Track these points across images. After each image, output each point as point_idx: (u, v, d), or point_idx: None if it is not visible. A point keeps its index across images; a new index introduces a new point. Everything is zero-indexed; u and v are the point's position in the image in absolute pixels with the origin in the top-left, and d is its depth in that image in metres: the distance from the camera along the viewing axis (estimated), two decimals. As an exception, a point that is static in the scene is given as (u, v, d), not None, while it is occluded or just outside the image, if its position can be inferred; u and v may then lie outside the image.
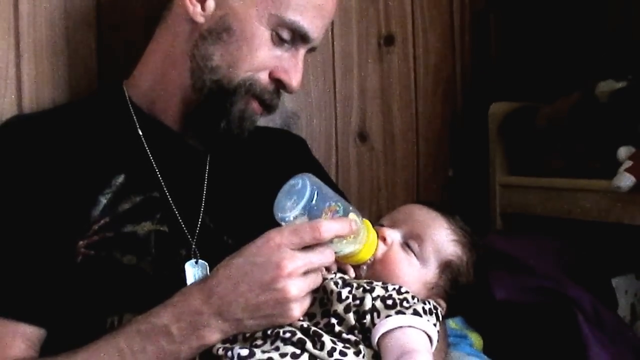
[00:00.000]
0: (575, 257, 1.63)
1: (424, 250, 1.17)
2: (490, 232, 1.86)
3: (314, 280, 1.07)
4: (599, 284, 1.59)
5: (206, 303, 1.05)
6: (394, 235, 1.18)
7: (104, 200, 1.23)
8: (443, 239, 1.19)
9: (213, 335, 1.06)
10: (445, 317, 1.21)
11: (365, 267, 1.15)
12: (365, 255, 1.13)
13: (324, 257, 1.07)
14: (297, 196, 1.05)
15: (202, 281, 1.09)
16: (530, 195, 1.82)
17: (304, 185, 1.05)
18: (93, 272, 1.19)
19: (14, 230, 1.18)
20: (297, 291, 1.04)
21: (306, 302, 1.07)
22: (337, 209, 1.08)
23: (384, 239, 1.16)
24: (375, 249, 1.14)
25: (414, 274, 1.16)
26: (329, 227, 1.04)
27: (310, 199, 1.05)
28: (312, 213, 1.06)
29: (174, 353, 1.06)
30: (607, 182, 1.51)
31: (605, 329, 1.42)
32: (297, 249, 1.04)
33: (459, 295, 1.20)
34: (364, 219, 1.13)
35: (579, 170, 1.68)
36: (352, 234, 1.08)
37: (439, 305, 1.15)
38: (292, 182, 1.07)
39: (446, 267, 1.18)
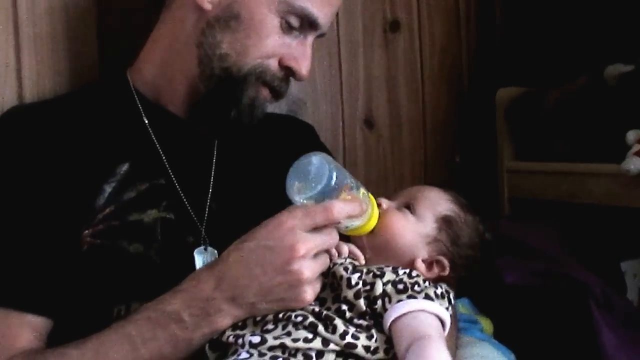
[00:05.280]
0: (584, 241, 1.63)
1: (418, 207, 1.19)
2: (499, 217, 1.86)
3: (324, 262, 1.08)
4: (608, 268, 1.59)
5: (218, 288, 1.05)
6: (388, 202, 1.21)
7: (108, 189, 1.22)
8: (437, 197, 1.22)
9: (225, 321, 1.06)
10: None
11: (364, 236, 1.17)
12: (369, 227, 1.14)
13: (331, 238, 1.08)
14: (314, 177, 1.05)
15: (211, 266, 1.09)
16: (538, 180, 1.82)
17: (322, 165, 1.05)
18: (99, 261, 1.18)
19: (18, 221, 1.18)
20: (310, 273, 1.04)
21: (317, 285, 1.07)
22: (352, 185, 1.10)
23: (379, 205, 1.18)
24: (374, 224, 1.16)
25: (411, 227, 1.18)
26: (341, 208, 1.05)
27: (329, 181, 1.05)
28: (328, 193, 1.06)
29: (186, 339, 1.06)
30: (616, 166, 1.51)
31: (615, 312, 1.42)
32: (308, 230, 1.05)
33: (465, 265, 1.20)
34: (371, 196, 1.15)
35: (587, 154, 1.67)
36: (362, 213, 1.09)
37: (442, 263, 1.16)
38: (305, 160, 1.07)
39: (444, 222, 1.19)
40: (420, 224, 1.18)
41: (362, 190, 1.12)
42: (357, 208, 1.08)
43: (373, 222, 1.14)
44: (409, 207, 1.19)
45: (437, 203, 1.21)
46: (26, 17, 1.42)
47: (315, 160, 1.06)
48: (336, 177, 1.05)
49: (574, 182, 1.69)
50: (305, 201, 1.06)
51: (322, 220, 1.05)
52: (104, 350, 1.07)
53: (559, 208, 1.77)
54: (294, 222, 1.04)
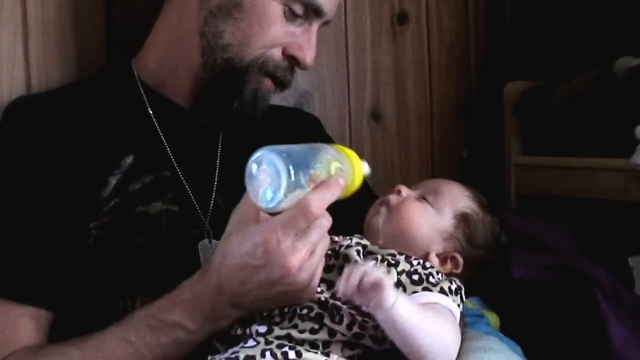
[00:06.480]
0: (592, 236, 1.61)
1: (438, 201, 1.19)
2: (506, 212, 1.85)
3: (321, 252, 1.04)
4: (616, 263, 1.57)
5: (219, 297, 1.04)
6: (408, 191, 1.20)
7: (113, 181, 1.22)
8: (457, 193, 1.22)
9: (230, 322, 1.06)
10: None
11: (380, 220, 1.16)
12: (355, 186, 1.05)
13: (322, 229, 1.02)
14: (271, 179, 0.95)
15: (205, 279, 1.06)
16: (546, 175, 1.81)
17: (272, 164, 0.95)
18: (105, 253, 1.18)
19: (23, 213, 1.18)
20: (307, 277, 1.02)
21: (317, 276, 1.05)
22: (320, 171, 0.99)
23: (399, 191, 1.19)
24: (362, 175, 1.07)
25: (429, 220, 1.17)
26: (318, 202, 0.98)
27: (288, 176, 0.94)
28: (296, 189, 0.96)
29: (192, 342, 1.06)
30: (625, 161, 1.50)
31: (624, 306, 1.41)
32: (294, 236, 1.00)
33: (477, 265, 1.20)
34: (342, 148, 1.06)
35: (595, 149, 1.66)
36: (343, 192, 1.01)
37: (457, 260, 1.16)
38: (254, 160, 0.97)
39: (462, 218, 1.19)
40: (438, 218, 1.18)
41: (335, 164, 1.01)
42: (336, 192, 0.99)
43: (358, 180, 1.05)
44: (428, 199, 1.19)
45: (457, 199, 1.20)
46: (34, 7, 1.42)
47: (261, 159, 0.96)
48: (294, 171, 0.95)
49: (582, 177, 1.68)
50: (283, 205, 0.97)
51: (305, 223, 0.99)
52: (104, 353, 1.06)
53: (566, 203, 1.76)
54: (279, 237, 0.98)
